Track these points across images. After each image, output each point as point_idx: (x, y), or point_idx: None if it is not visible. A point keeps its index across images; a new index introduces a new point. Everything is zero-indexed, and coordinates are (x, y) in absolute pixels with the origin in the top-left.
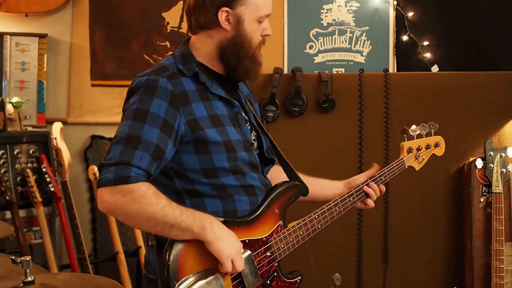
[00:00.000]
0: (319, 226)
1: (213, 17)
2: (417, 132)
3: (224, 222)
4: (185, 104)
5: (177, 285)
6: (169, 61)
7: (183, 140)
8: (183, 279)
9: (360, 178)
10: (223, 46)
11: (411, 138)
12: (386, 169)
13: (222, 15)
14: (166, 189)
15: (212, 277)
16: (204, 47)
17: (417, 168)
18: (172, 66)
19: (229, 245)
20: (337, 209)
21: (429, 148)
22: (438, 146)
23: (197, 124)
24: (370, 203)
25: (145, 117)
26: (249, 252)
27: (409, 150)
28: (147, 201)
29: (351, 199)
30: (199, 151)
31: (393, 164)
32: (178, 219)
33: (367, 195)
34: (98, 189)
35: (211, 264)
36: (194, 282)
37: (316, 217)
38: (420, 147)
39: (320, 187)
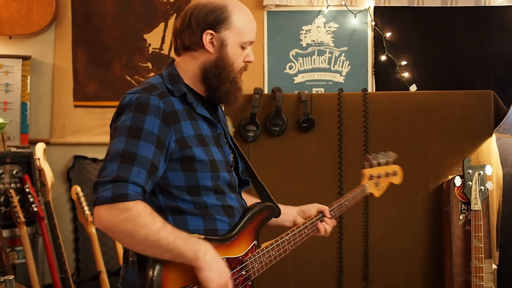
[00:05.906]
0: (290, 247)
1: (197, 39)
2: (379, 160)
3: (204, 239)
4: (175, 123)
5: None
6: (157, 80)
7: (172, 157)
8: None
9: (313, 208)
10: (206, 68)
11: (371, 166)
12: (350, 194)
13: (206, 38)
14: (149, 205)
15: None
16: (188, 68)
17: (376, 195)
18: (161, 85)
19: (218, 275)
20: (306, 231)
21: (388, 176)
22: (396, 175)
23: (185, 143)
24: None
25: (140, 134)
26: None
27: (370, 177)
28: (142, 221)
29: (311, 227)
30: (185, 168)
31: (356, 190)
32: (171, 245)
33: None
34: (95, 207)
35: (192, 281)
36: None
37: (288, 238)
38: (380, 175)
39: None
